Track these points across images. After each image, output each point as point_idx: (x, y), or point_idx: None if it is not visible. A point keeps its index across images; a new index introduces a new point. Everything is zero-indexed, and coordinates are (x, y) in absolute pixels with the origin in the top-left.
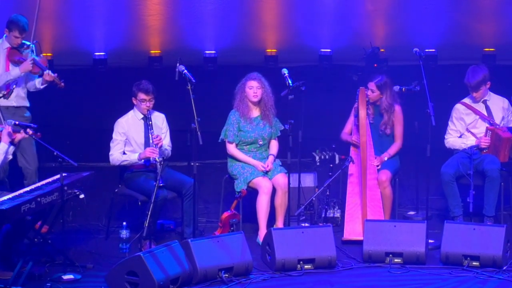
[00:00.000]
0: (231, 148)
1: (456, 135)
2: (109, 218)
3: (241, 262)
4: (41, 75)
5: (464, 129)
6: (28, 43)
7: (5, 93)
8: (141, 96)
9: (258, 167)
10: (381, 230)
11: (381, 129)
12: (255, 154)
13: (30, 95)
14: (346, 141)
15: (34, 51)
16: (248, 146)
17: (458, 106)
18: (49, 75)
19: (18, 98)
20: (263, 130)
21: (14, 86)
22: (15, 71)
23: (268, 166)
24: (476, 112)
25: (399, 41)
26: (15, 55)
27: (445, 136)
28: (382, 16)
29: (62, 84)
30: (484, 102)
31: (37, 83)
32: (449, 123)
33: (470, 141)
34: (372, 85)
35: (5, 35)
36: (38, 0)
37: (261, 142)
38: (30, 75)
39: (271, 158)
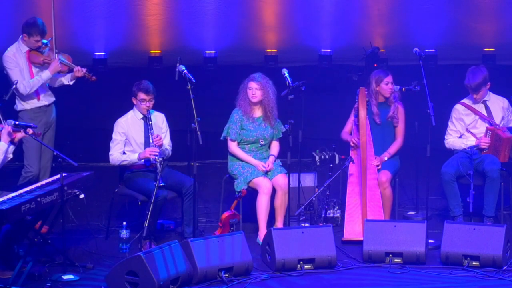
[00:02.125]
0: (233, 147)
1: (456, 136)
2: (109, 218)
3: (241, 262)
4: (68, 72)
5: (464, 130)
6: (45, 41)
7: (4, 95)
8: (141, 96)
9: (259, 166)
10: (381, 230)
11: (388, 118)
12: (256, 154)
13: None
14: (346, 141)
15: (54, 49)
16: (249, 146)
17: (458, 106)
18: (80, 71)
19: (46, 96)
20: (265, 130)
21: (14, 86)
22: (46, 74)
23: (268, 166)
24: (475, 112)
25: (399, 41)
26: (37, 57)
27: (445, 137)
28: (382, 16)
29: (94, 77)
30: (484, 102)
31: (65, 79)
32: (449, 123)
33: (470, 141)
34: (390, 77)
35: (20, 37)
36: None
37: (262, 142)
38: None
39: (271, 158)
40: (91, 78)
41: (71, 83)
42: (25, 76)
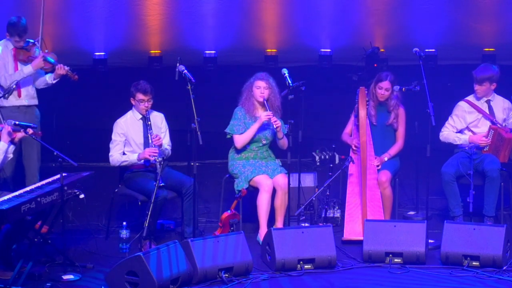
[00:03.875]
0: (238, 136)
1: (452, 130)
2: (109, 218)
3: (241, 262)
4: (52, 71)
5: (462, 127)
6: (31, 40)
7: (6, 94)
8: (139, 96)
9: (262, 117)
10: (381, 230)
11: (388, 124)
12: (257, 154)
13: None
14: (346, 143)
15: (42, 48)
16: (250, 145)
17: (462, 103)
18: (62, 68)
19: (28, 97)
20: (267, 130)
21: (14, 86)
22: (27, 69)
23: (272, 114)
24: (479, 110)
25: (399, 41)
26: (23, 55)
27: (442, 129)
28: (382, 16)
29: (76, 76)
30: (488, 102)
31: (48, 79)
32: (449, 118)
33: (464, 136)
34: (387, 83)
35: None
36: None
37: (264, 142)
38: (38, 71)
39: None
40: (73, 77)
41: (54, 81)
42: (8, 71)
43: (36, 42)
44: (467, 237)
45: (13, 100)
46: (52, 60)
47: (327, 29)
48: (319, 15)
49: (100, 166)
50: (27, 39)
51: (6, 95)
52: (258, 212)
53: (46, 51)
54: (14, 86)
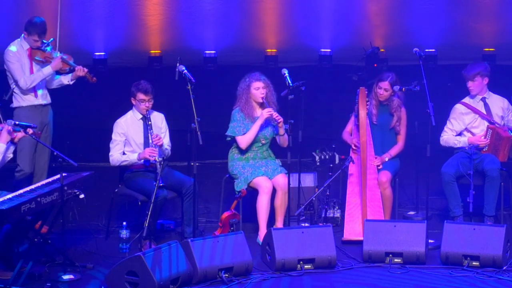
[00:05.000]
0: (242, 137)
1: (451, 134)
2: (109, 218)
3: (241, 262)
4: (67, 72)
5: (461, 129)
6: (45, 41)
7: (5, 95)
8: (140, 96)
9: (264, 114)
10: (381, 230)
11: (391, 128)
12: (257, 154)
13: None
14: (346, 141)
15: (56, 48)
16: (250, 145)
17: (458, 106)
18: (82, 70)
19: (43, 96)
20: (266, 130)
21: (14, 86)
22: (47, 70)
23: (274, 112)
24: (475, 111)
25: (399, 41)
26: (40, 55)
27: (441, 134)
28: (382, 16)
29: (94, 78)
30: (483, 99)
31: (64, 79)
32: (447, 122)
33: (464, 138)
34: (386, 84)
35: (22, 35)
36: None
37: (263, 142)
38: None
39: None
40: (92, 79)
41: (71, 82)
42: (25, 72)
43: (50, 43)
44: (467, 237)
45: (32, 100)
46: (72, 62)
47: (327, 29)
48: (319, 15)
49: (100, 166)
50: (43, 40)
51: (5, 96)
52: (258, 214)
53: (59, 51)
54: (14, 87)
